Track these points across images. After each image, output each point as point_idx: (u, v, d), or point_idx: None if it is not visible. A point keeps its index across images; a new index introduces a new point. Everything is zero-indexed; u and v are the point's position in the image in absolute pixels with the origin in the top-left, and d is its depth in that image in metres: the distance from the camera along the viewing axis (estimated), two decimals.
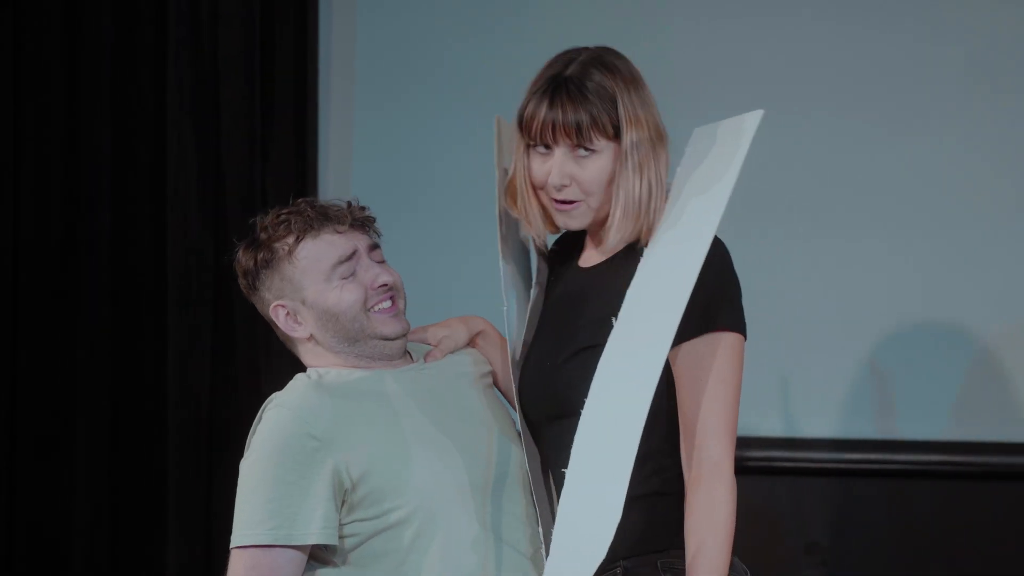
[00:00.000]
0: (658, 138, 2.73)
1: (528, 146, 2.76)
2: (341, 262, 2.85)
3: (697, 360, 2.63)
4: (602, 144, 2.71)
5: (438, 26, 4.58)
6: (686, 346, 2.63)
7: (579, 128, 2.69)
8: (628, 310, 2.63)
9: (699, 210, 2.66)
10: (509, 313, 2.92)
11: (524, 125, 2.74)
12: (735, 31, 4.42)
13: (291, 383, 2.85)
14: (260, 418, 2.78)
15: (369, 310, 2.85)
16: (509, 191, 2.86)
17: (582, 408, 2.62)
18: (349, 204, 2.91)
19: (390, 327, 2.86)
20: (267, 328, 4.52)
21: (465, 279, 4.28)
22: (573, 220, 2.77)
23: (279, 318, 2.89)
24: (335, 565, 2.76)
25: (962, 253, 4.29)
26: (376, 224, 2.94)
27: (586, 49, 2.76)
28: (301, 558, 2.71)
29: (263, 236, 2.87)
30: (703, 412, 2.62)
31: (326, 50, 4.62)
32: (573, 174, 2.72)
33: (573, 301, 2.82)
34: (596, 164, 2.71)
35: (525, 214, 2.83)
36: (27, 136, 4.48)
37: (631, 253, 2.75)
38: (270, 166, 4.55)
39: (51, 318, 4.48)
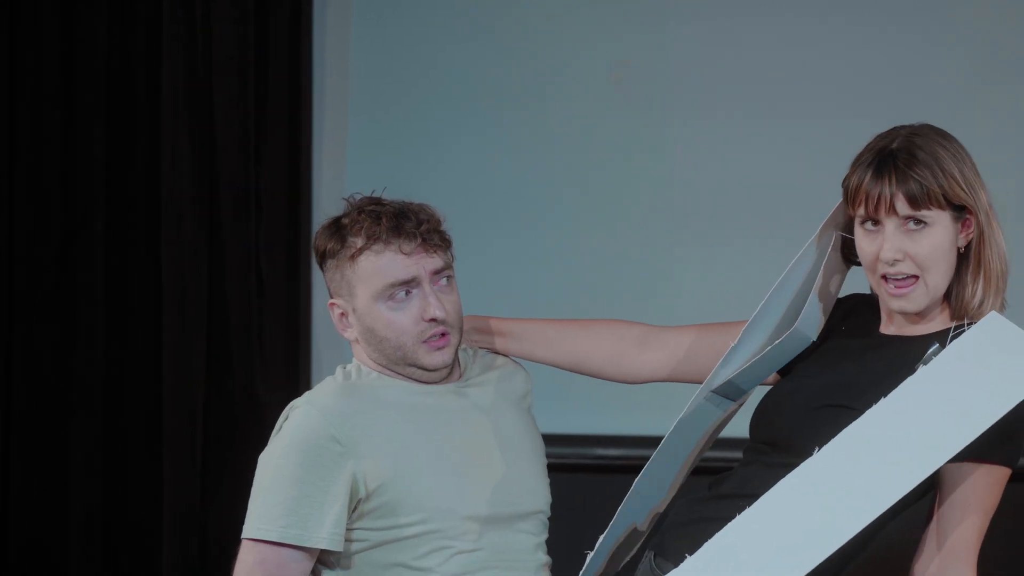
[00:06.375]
0: (992, 212, 2.64)
1: (857, 222, 2.63)
2: (395, 286, 2.73)
3: (970, 484, 2.55)
4: (934, 215, 2.58)
5: (433, 27, 4.57)
6: (967, 465, 2.54)
7: (910, 198, 2.56)
8: (900, 402, 2.50)
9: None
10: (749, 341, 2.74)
11: (849, 198, 2.62)
12: (732, 31, 4.41)
13: (323, 383, 2.80)
14: (287, 415, 2.74)
15: (417, 341, 2.76)
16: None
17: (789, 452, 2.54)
18: (424, 222, 2.77)
19: (432, 358, 2.76)
20: (262, 331, 4.57)
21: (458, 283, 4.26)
22: (910, 304, 2.62)
23: (333, 314, 2.80)
24: (342, 568, 2.75)
25: None
26: (452, 248, 2.80)
27: (909, 125, 2.64)
28: (309, 560, 2.69)
29: (344, 221, 2.78)
30: (960, 536, 2.55)
31: (320, 51, 4.61)
32: (906, 248, 2.58)
33: (855, 357, 2.68)
34: (930, 237, 2.58)
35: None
36: (22, 138, 4.48)
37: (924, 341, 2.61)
38: (264, 168, 4.55)
39: (46, 320, 4.48)
